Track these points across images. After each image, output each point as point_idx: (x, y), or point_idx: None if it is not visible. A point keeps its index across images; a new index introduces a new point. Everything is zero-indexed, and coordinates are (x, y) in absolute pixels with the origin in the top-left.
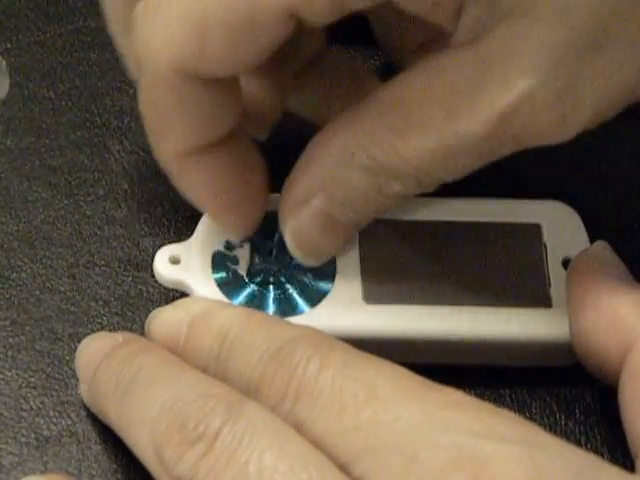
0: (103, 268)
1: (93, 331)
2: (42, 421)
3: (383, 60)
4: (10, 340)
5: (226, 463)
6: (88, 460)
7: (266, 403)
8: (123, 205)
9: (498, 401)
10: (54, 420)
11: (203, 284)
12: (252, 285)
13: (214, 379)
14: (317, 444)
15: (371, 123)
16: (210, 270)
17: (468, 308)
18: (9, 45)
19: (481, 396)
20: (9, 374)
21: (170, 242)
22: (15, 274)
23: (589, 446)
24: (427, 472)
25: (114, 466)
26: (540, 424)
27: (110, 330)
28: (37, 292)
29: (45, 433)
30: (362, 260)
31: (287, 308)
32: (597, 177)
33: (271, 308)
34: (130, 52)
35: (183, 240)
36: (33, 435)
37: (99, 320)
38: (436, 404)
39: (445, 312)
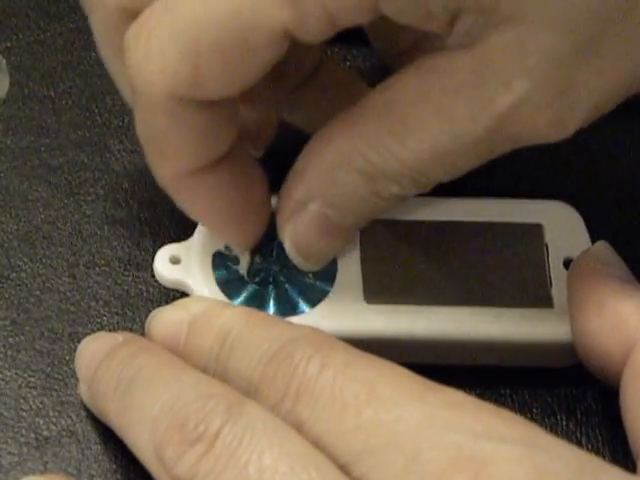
0: (103, 268)
1: (93, 331)
2: (42, 421)
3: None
4: (10, 340)
5: (226, 463)
6: (88, 460)
7: (266, 403)
8: (123, 205)
9: (498, 401)
10: (54, 420)
11: (203, 284)
12: (252, 285)
13: (214, 379)
14: (317, 444)
15: (366, 126)
16: (210, 270)
17: (469, 308)
18: (9, 44)
19: (481, 396)
20: (9, 374)
21: (170, 242)
22: (15, 274)
23: (590, 447)
24: (427, 472)
25: (114, 466)
26: (541, 424)
27: (110, 330)
28: (37, 292)
29: (45, 433)
30: (362, 260)
31: (287, 308)
32: (599, 177)
33: (271, 308)
34: (123, 76)
35: (183, 240)
36: (33, 435)
37: (99, 320)
38: (437, 404)
39: (445, 312)
